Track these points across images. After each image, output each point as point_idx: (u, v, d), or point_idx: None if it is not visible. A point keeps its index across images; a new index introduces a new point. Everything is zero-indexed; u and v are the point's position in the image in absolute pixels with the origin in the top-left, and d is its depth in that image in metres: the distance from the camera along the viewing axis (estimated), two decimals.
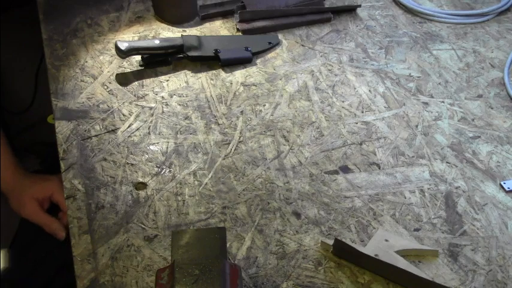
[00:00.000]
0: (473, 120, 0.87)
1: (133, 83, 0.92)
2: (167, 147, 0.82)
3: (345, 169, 0.79)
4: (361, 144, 0.83)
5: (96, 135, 0.83)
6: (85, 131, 0.84)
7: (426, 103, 0.90)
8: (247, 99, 0.90)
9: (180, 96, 0.90)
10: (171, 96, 0.90)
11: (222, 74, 0.95)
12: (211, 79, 0.93)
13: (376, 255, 0.66)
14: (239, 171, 0.79)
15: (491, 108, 0.89)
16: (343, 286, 0.66)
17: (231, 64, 0.95)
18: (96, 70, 0.95)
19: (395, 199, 0.75)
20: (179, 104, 0.89)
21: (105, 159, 0.80)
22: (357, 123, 0.86)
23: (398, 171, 0.79)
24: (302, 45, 1.00)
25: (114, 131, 0.84)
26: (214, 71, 0.95)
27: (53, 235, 0.95)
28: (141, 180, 0.77)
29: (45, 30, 1.03)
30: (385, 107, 0.89)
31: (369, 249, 0.67)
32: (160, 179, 0.78)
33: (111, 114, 0.87)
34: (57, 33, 1.02)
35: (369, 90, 0.92)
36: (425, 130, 0.85)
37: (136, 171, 0.79)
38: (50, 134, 0.87)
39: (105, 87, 0.91)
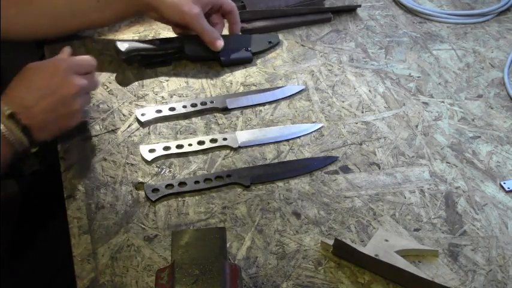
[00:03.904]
0: (473, 120, 0.87)
1: (134, 83, 0.92)
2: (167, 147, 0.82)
3: (345, 169, 0.79)
4: (361, 144, 0.83)
5: (96, 135, 0.83)
6: (85, 131, 0.84)
7: (426, 103, 0.90)
8: None
9: (180, 96, 0.90)
10: (171, 96, 0.90)
11: (222, 74, 0.94)
12: (211, 79, 0.93)
13: (376, 255, 0.66)
14: None
15: (491, 108, 0.89)
16: (343, 286, 0.66)
17: (231, 65, 0.95)
18: (96, 70, 0.94)
19: (395, 199, 0.75)
20: None
21: (105, 159, 0.80)
22: (357, 123, 0.86)
23: (398, 171, 0.79)
24: (302, 45, 1.00)
25: (114, 131, 0.84)
26: (214, 71, 0.95)
27: (209, 44, 0.92)
28: (141, 180, 0.77)
29: None
30: (385, 107, 0.89)
31: (369, 249, 0.67)
32: (160, 179, 0.78)
33: (111, 114, 0.87)
34: None
35: (369, 90, 0.92)
36: (425, 130, 0.85)
37: (136, 171, 0.79)
38: None
39: (105, 87, 0.91)
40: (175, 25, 0.95)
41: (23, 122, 0.73)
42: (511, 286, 0.66)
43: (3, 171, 0.75)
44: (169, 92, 0.91)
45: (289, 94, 0.90)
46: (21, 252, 0.96)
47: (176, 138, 0.83)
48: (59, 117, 0.77)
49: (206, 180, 0.77)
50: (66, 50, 0.84)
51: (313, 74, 0.95)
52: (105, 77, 0.93)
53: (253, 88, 0.92)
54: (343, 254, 0.68)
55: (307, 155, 0.81)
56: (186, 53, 0.94)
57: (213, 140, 0.82)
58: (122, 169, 0.79)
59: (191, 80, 0.93)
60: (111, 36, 1.01)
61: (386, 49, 1.00)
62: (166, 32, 1.02)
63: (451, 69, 0.96)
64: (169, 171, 0.79)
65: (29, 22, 0.91)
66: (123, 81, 0.93)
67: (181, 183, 0.76)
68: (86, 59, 0.82)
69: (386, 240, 0.68)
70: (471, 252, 0.69)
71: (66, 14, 0.91)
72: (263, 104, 0.89)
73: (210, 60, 0.96)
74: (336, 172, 0.79)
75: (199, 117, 0.87)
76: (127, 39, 1.00)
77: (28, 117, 0.74)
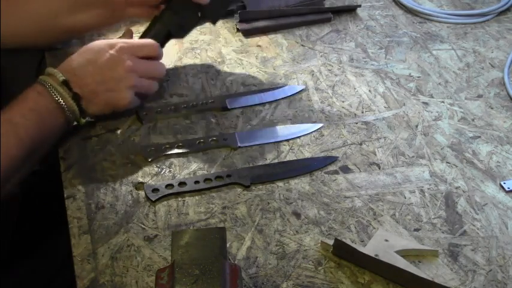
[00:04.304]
0: (473, 120, 0.87)
1: None
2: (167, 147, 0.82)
3: (345, 169, 0.79)
4: (361, 144, 0.83)
5: (96, 135, 0.83)
6: (85, 131, 0.84)
7: (426, 103, 0.90)
8: None
9: (180, 96, 0.90)
10: (171, 96, 0.90)
11: (223, 74, 0.95)
12: (212, 79, 0.93)
13: (376, 255, 0.66)
14: None
15: (491, 108, 0.89)
16: (343, 286, 0.66)
17: (220, 18, 0.97)
18: None
19: (395, 199, 0.75)
20: None
21: (105, 159, 0.80)
22: (357, 123, 0.86)
23: (398, 171, 0.79)
24: (302, 45, 1.00)
25: (114, 131, 0.84)
26: (214, 71, 0.95)
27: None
28: (141, 180, 0.77)
29: None
30: (385, 107, 0.89)
31: (369, 249, 0.67)
32: (160, 179, 0.78)
33: (111, 114, 0.87)
34: None
35: (369, 90, 0.92)
36: (425, 130, 0.85)
37: (136, 171, 0.79)
38: None
39: None
40: (154, 9, 0.91)
41: (74, 90, 0.77)
42: (511, 286, 0.66)
43: (54, 142, 0.79)
44: (170, 92, 0.91)
45: (289, 94, 0.90)
46: (21, 252, 0.96)
47: (176, 138, 0.83)
48: (108, 91, 0.79)
49: (206, 180, 0.77)
50: (129, 30, 0.88)
51: (313, 74, 0.95)
52: None
53: (253, 88, 0.92)
54: (343, 254, 0.68)
55: (307, 155, 0.81)
56: (176, 36, 0.91)
57: (213, 140, 0.82)
58: (122, 169, 0.79)
59: (191, 80, 0.93)
60: (111, 37, 1.01)
61: (386, 49, 1.00)
62: None
63: (451, 69, 0.96)
64: (169, 171, 0.79)
65: (13, 27, 0.89)
66: None
67: (181, 183, 0.76)
68: (147, 42, 0.84)
69: (386, 240, 0.68)
70: (471, 252, 0.69)
71: (45, 15, 0.89)
72: (263, 104, 0.89)
73: (199, 24, 0.96)
74: (336, 172, 0.79)
75: (199, 117, 0.87)
76: None
77: (79, 85, 0.77)
